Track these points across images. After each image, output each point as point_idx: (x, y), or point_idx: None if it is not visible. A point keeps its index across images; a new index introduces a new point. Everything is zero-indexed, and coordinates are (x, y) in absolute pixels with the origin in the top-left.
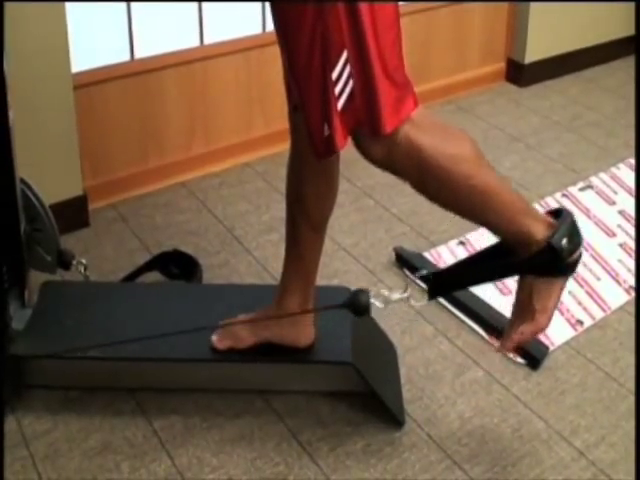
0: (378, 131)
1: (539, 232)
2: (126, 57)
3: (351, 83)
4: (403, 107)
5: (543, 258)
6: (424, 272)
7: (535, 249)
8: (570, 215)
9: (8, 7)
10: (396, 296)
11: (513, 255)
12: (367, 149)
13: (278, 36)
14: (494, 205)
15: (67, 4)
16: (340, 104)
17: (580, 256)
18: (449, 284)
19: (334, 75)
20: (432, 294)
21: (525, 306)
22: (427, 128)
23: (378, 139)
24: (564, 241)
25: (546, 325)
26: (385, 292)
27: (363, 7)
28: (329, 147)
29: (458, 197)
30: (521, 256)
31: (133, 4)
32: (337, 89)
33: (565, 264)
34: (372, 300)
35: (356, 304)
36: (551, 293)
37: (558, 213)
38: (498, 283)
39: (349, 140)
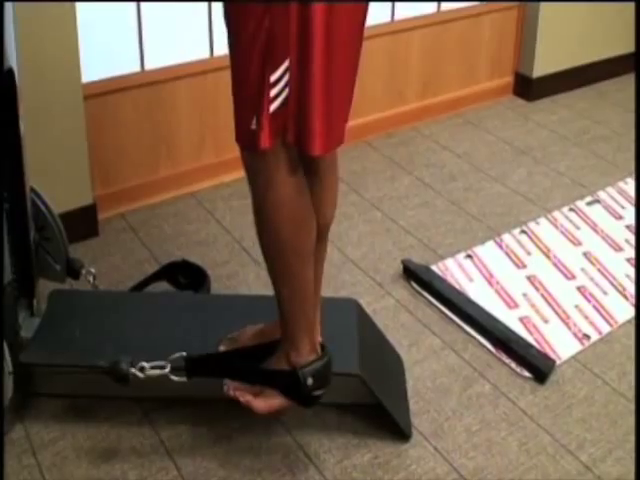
0: (305, 148)
1: (302, 353)
2: (137, 68)
3: (287, 91)
4: (334, 138)
5: (287, 380)
6: (183, 354)
7: (287, 368)
8: (327, 357)
9: (20, 18)
10: (155, 371)
11: (270, 359)
12: (245, 149)
13: (225, 20)
14: (293, 292)
15: (78, 14)
16: (272, 107)
17: (321, 396)
18: (205, 370)
19: (273, 78)
20: (190, 374)
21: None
22: (292, 178)
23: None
24: (309, 380)
25: (260, 412)
26: (145, 364)
27: (317, 15)
28: (253, 142)
29: (274, 258)
30: (273, 366)
31: (144, 15)
32: (273, 92)
33: (303, 396)
34: (132, 370)
35: (116, 372)
36: (280, 398)
37: (322, 346)
38: (505, 296)
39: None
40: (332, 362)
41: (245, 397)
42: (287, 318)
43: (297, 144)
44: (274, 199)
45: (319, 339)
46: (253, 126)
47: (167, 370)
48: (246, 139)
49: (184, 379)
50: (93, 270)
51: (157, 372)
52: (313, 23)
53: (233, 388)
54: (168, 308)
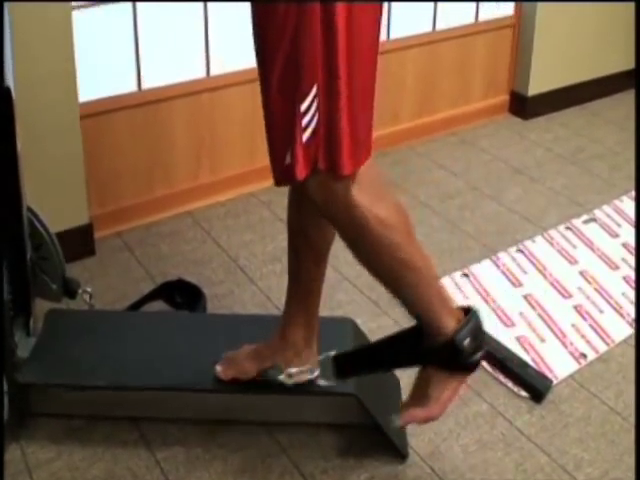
0: (336, 171)
1: (449, 325)
2: (133, 87)
3: (317, 118)
4: (362, 153)
5: (445, 353)
6: (332, 353)
7: (440, 342)
8: (477, 315)
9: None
10: (306, 376)
11: (420, 343)
12: (310, 188)
13: (256, 58)
14: (414, 284)
15: (75, 33)
16: (305, 136)
17: (482, 357)
18: (356, 366)
19: (303, 107)
20: (339, 375)
21: (422, 391)
22: (366, 185)
23: (321, 181)
24: (467, 341)
25: (437, 415)
26: (293, 370)
27: (340, 35)
28: (288, 176)
29: (381, 264)
30: (426, 345)
31: (141, 34)
32: (304, 121)
33: (465, 363)
34: (280, 377)
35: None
36: (448, 386)
37: (468, 310)
38: (502, 315)
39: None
40: (480, 320)
41: (419, 416)
42: (422, 311)
43: (329, 169)
44: (360, 217)
45: (316, 362)
46: (288, 161)
47: (316, 374)
48: (282, 176)
49: (332, 383)
50: (89, 289)
51: (306, 376)
52: (337, 43)
53: (400, 419)
54: (164, 327)
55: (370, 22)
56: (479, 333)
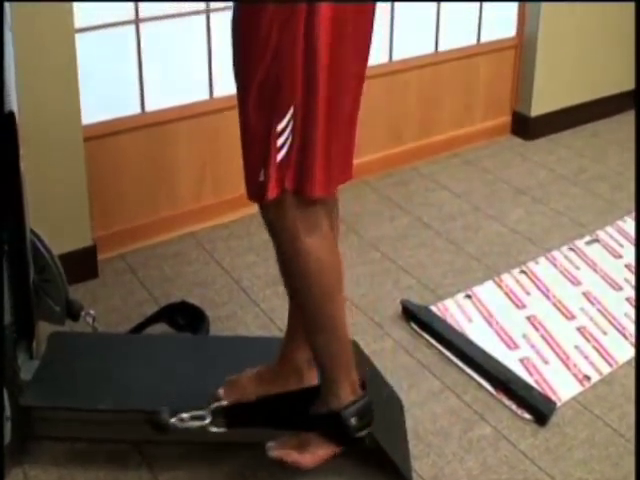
0: (306, 192)
1: (343, 395)
2: (137, 110)
3: (291, 139)
4: (334, 180)
5: (331, 423)
6: (224, 402)
7: (329, 411)
8: (368, 395)
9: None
10: (195, 423)
11: (313, 404)
12: (265, 204)
13: (234, 72)
14: (329, 332)
15: (79, 56)
16: (280, 156)
17: (366, 436)
18: (247, 419)
19: (279, 127)
20: (230, 425)
21: (303, 439)
22: (315, 224)
23: (279, 203)
24: (354, 418)
25: (307, 466)
26: (185, 415)
27: (322, 59)
28: (261, 193)
29: (307, 302)
30: (316, 411)
31: (144, 56)
32: (280, 141)
33: (348, 437)
34: (171, 421)
35: (156, 422)
36: (326, 447)
37: (364, 385)
38: (505, 337)
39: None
40: (370, 400)
41: (291, 456)
42: (325, 364)
43: (296, 189)
44: (299, 249)
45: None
46: (261, 178)
47: (207, 421)
48: (255, 192)
49: (223, 429)
50: (92, 312)
51: (197, 423)
52: (318, 69)
53: (276, 448)
54: (167, 350)
55: (354, 51)
56: (367, 413)
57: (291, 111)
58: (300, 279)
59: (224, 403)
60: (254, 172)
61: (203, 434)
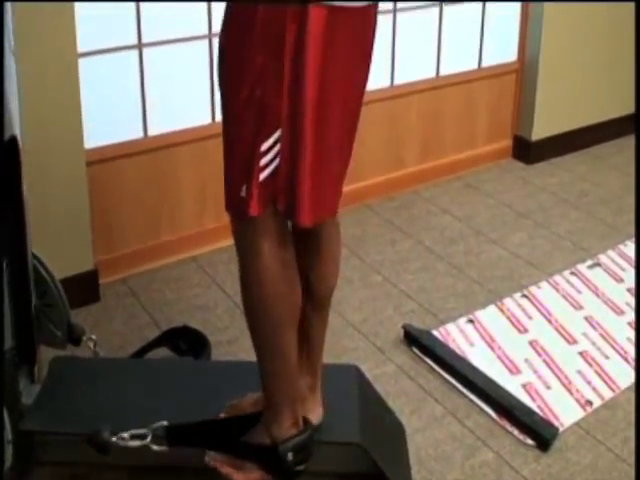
0: (296, 219)
1: (283, 427)
2: (139, 134)
3: (277, 160)
4: (325, 208)
5: (267, 454)
6: (165, 423)
7: (267, 442)
8: (309, 431)
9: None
10: (136, 442)
11: (253, 431)
12: (234, 215)
13: (219, 87)
14: (275, 367)
15: (81, 81)
16: (262, 176)
17: (302, 471)
18: (187, 439)
19: (263, 147)
20: (171, 444)
21: (241, 459)
22: (278, 249)
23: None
24: (290, 453)
25: None
26: (125, 434)
27: (309, 87)
28: (242, 210)
29: (255, 328)
30: (254, 439)
31: (147, 81)
32: (263, 161)
33: (283, 472)
34: (113, 439)
35: (96, 441)
36: (259, 472)
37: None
38: (507, 362)
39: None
40: (311, 438)
41: (225, 469)
42: (269, 390)
43: (287, 213)
44: (258, 268)
45: (319, 410)
46: (243, 194)
47: (148, 440)
48: (235, 206)
49: (165, 448)
50: (94, 337)
51: (138, 442)
52: (305, 96)
53: (214, 459)
54: (169, 375)
55: (346, 76)
56: (305, 449)
57: (277, 133)
58: (250, 297)
59: (165, 423)
60: (235, 186)
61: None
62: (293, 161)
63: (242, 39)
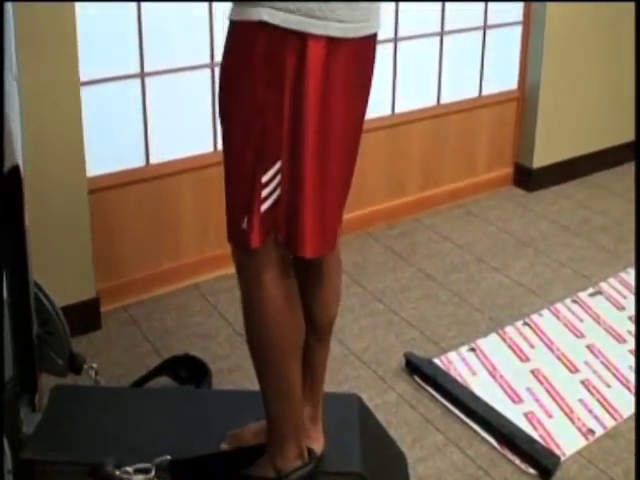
0: (298, 251)
1: (288, 458)
2: (141, 162)
3: (278, 192)
4: (327, 240)
5: None
6: (168, 457)
7: (274, 470)
8: (314, 463)
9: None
10: (140, 476)
11: (257, 463)
12: (236, 247)
13: (220, 119)
14: (279, 397)
15: (84, 109)
16: (264, 207)
17: None
18: (193, 474)
19: (264, 179)
20: (174, 477)
21: None
22: (280, 279)
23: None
24: None
25: None
26: (129, 468)
27: (309, 119)
28: (243, 241)
29: (258, 357)
30: (258, 473)
31: (149, 110)
32: (264, 192)
33: None
34: (117, 473)
35: (100, 475)
36: None
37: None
38: (509, 391)
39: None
40: (315, 469)
41: None
42: (273, 421)
43: (288, 245)
44: (260, 298)
45: (321, 440)
46: (244, 225)
47: (152, 474)
48: (237, 238)
49: None
50: (95, 365)
51: (142, 477)
52: (305, 127)
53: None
54: (169, 405)
55: (346, 108)
56: None
57: (278, 165)
58: (254, 327)
59: (168, 457)
60: (237, 218)
61: None
62: (294, 193)
63: (242, 71)
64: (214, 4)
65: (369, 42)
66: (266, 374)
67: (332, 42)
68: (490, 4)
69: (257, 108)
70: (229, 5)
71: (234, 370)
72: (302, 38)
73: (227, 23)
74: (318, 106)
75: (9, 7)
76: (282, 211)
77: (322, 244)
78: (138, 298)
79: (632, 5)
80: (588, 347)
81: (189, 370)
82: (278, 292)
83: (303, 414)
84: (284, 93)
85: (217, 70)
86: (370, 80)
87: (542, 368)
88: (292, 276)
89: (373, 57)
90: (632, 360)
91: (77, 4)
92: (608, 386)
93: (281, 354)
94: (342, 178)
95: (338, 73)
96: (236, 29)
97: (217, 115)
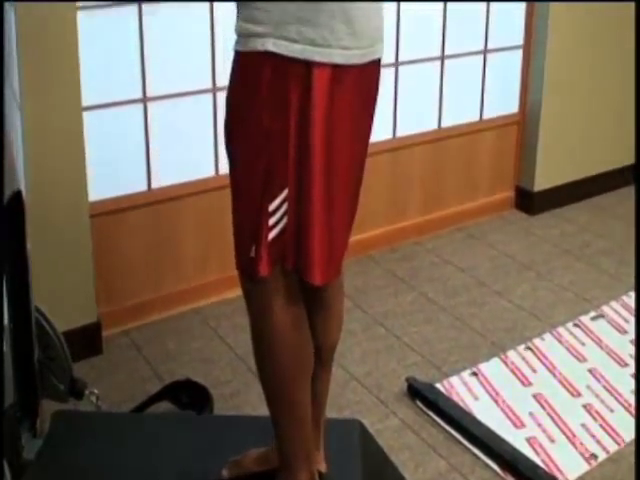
0: (306, 278)
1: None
2: (143, 187)
3: (285, 220)
4: (334, 266)
5: None
6: None
7: None
8: None
9: (29, 138)
10: None
11: None
12: (244, 275)
13: (226, 148)
14: (289, 420)
15: (86, 134)
16: (271, 235)
17: None
18: None
19: (271, 207)
20: None
21: None
22: (289, 306)
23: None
24: None
25: None
26: None
27: (316, 147)
28: (252, 269)
29: (268, 383)
30: None
31: (151, 134)
32: (272, 220)
33: None
34: None
35: None
36: None
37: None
38: (511, 415)
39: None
40: None
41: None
42: (284, 446)
43: (296, 271)
44: (269, 325)
45: (323, 465)
46: (252, 254)
47: None
48: (245, 266)
49: None
50: (96, 391)
51: None
52: (312, 154)
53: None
54: (169, 431)
55: (351, 134)
56: None
57: (284, 193)
58: (264, 354)
59: None
60: (245, 247)
61: None
62: (301, 220)
63: (248, 100)
64: (216, 30)
65: (373, 67)
66: (276, 399)
67: (337, 69)
68: (491, 28)
69: (264, 137)
70: (231, 32)
71: (235, 395)
72: (307, 66)
73: (228, 47)
74: (324, 133)
75: (12, 33)
76: (290, 239)
77: (330, 270)
78: (139, 322)
79: (632, 30)
80: (590, 371)
81: (190, 395)
82: (287, 318)
83: (311, 438)
84: (290, 121)
85: (219, 95)
86: (374, 105)
87: (544, 392)
88: (300, 301)
89: (377, 82)
90: (634, 384)
91: (80, 30)
92: (610, 410)
93: (291, 379)
94: (348, 204)
95: (343, 100)
96: (241, 59)
97: (219, 140)
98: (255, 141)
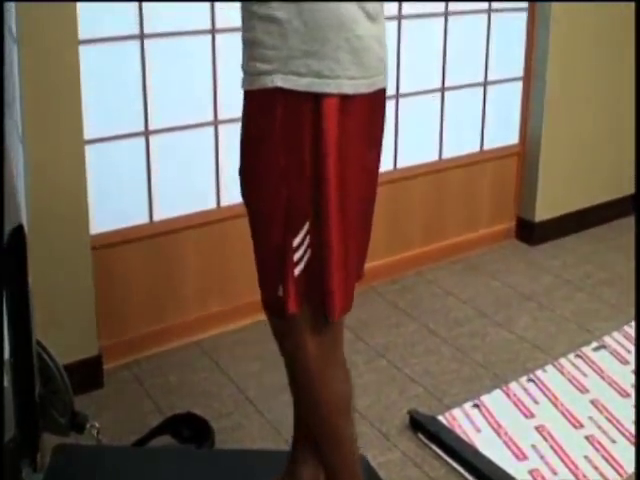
0: (327, 311)
1: None
2: (145, 219)
3: (309, 253)
4: (350, 295)
5: None
6: None
7: None
8: None
9: (30, 172)
10: None
11: None
12: (272, 314)
13: (243, 197)
14: (338, 452)
15: (88, 167)
16: (297, 271)
17: None
18: None
19: (295, 242)
20: None
21: None
22: (319, 337)
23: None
24: None
25: None
26: None
27: (331, 174)
28: (281, 308)
29: (313, 417)
30: None
31: (153, 167)
32: (296, 256)
33: None
34: None
35: None
36: None
37: None
38: (514, 448)
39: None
40: None
41: None
42: (332, 474)
43: (317, 306)
44: (304, 360)
45: None
46: (280, 293)
47: None
48: (273, 305)
49: None
50: (97, 424)
51: None
52: (327, 184)
53: None
54: (170, 465)
55: (362, 167)
56: None
57: (306, 226)
58: (306, 390)
59: None
60: (271, 285)
61: None
62: (321, 252)
63: (263, 139)
64: (218, 63)
65: (380, 97)
66: (323, 432)
67: (345, 100)
68: (491, 60)
69: (282, 175)
70: (234, 64)
71: (237, 428)
72: (316, 98)
73: (230, 80)
74: (337, 162)
75: (14, 63)
76: (314, 272)
77: (346, 302)
78: (141, 355)
79: (632, 64)
80: (592, 402)
81: (191, 429)
82: (321, 352)
83: (356, 467)
84: (305, 156)
85: (220, 127)
86: (382, 134)
87: (547, 424)
88: (331, 331)
89: (384, 111)
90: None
91: (82, 63)
92: (613, 442)
93: (334, 408)
94: (362, 234)
95: (354, 128)
96: (251, 98)
97: (220, 172)
98: (273, 182)
